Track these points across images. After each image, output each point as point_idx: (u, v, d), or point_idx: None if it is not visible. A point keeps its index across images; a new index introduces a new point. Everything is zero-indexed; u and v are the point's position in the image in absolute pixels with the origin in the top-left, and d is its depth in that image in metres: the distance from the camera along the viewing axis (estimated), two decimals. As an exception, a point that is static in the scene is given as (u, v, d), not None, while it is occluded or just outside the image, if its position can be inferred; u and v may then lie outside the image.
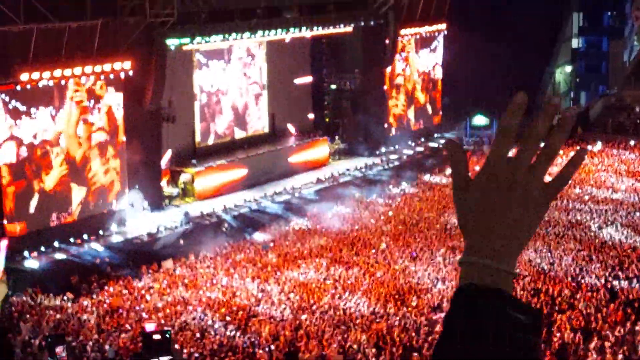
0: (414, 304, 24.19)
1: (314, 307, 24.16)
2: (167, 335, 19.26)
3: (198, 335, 22.49)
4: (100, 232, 31.81)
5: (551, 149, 1.72)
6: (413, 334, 21.38)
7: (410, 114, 48.20)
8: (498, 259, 1.69)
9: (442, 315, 22.75)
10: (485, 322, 1.61)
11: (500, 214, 1.71)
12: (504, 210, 1.71)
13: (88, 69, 30.88)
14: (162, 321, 23.55)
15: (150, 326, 21.34)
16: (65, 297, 26.77)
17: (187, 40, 35.07)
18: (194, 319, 23.87)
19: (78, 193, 31.71)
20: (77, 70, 30.55)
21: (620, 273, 25.98)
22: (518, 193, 1.71)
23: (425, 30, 47.04)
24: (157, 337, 19.07)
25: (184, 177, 37.04)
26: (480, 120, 54.45)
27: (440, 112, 50.28)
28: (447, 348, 1.63)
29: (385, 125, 46.26)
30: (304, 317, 23.24)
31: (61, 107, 30.82)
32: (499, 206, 1.71)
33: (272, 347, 21.14)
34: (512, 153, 1.72)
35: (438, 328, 20.93)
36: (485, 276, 1.68)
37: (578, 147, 1.76)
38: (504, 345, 1.59)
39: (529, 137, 1.71)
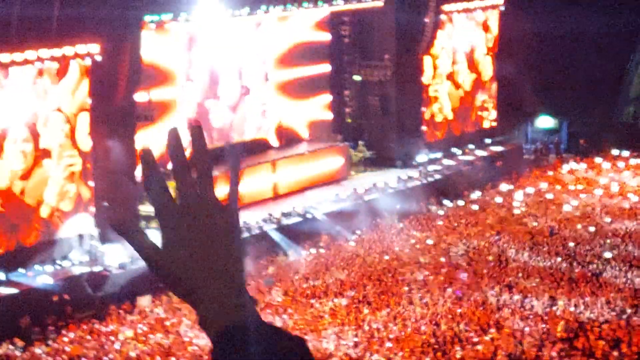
0: (458, 356, 24.34)
1: (330, 360, 24.38)
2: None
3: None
4: (59, 261, 32.07)
5: (197, 164, 2.10)
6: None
7: (456, 113, 48.38)
8: (225, 296, 2.06)
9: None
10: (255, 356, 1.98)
11: (200, 252, 2.08)
12: (199, 246, 2.08)
13: (44, 52, 31.21)
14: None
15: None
16: (12, 345, 26.99)
17: (169, 16, 35.39)
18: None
19: (31, 210, 31.94)
20: (31, 54, 30.86)
21: None
22: (202, 223, 2.07)
23: (475, 5, 47.19)
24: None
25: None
26: (545, 122, 54.47)
27: (495, 112, 50.40)
28: None
29: (424, 128, 46.45)
30: (317, 371, 23.44)
31: (8, 100, 31.04)
32: (194, 244, 2.09)
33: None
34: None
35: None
36: (228, 316, 2.05)
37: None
38: None
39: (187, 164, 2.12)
